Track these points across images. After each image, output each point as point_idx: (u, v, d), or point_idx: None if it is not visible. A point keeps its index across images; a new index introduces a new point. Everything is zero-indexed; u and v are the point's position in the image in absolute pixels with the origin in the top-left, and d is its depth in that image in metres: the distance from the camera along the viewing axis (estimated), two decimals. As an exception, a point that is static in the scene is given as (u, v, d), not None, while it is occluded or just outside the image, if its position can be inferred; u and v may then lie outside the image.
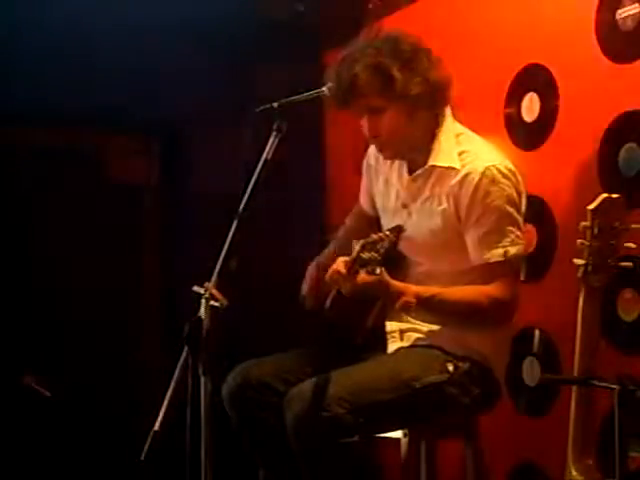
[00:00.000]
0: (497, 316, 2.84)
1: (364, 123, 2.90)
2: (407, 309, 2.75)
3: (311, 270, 3.11)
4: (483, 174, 2.81)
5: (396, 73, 2.80)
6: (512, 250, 2.82)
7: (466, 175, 2.84)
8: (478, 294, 2.80)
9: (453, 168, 2.86)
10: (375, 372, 2.82)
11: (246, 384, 2.92)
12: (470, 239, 2.85)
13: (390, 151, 2.95)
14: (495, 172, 2.82)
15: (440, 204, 2.88)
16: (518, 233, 2.84)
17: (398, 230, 2.64)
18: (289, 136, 2.71)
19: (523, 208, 2.89)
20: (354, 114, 2.91)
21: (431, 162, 2.90)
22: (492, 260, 2.81)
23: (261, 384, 2.91)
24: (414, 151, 2.93)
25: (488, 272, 2.82)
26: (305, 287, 3.10)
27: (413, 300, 2.70)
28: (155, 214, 4.56)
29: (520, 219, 2.86)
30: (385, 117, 2.85)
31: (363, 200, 3.23)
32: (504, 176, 2.83)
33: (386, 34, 2.91)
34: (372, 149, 3.14)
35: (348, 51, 2.87)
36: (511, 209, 2.83)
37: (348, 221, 3.29)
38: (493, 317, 2.84)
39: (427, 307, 2.78)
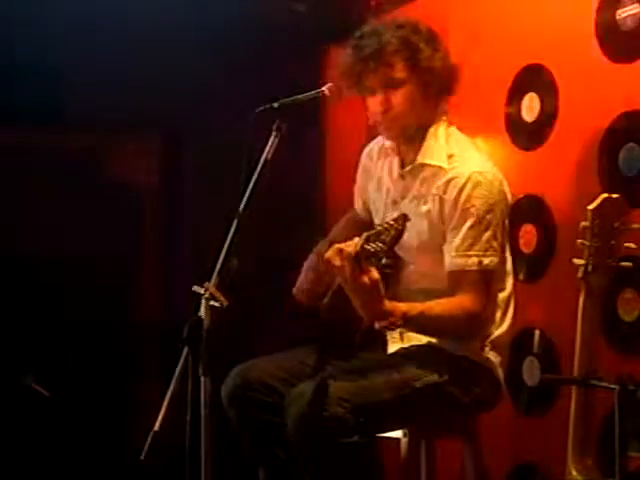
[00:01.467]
0: (469, 328, 2.83)
1: (376, 100, 2.89)
2: (389, 329, 2.75)
3: (310, 262, 3.08)
4: (468, 179, 2.81)
5: (422, 46, 2.84)
6: (485, 261, 2.80)
7: (452, 178, 2.83)
8: (455, 307, 2.79)
9: (441, 168, 2.86)
10: (376, 372, 2.82)
11: (245, 384, 2.92)
12: (447, 243, 2.84)
13: (395, 130, 2.93)
14: (480, 179, 2.81)
15: (425, 204, 2.88)
16: (494, 244, 2.81)
17: (403, 219, 2.59)
18: (289, 136, 2.71)
19: (506, 219, 2.87)
20: (369, 89, 2.89)
21: (420, 160, 2.91)
22: (466, 268, 2.80)
23: (261, 384, 2.91)
24: (408, 141, 2.93)
25: (460, 280, 2.81)
26: (302, 279, 3.07)
27: (400, 322, 2.70)
28: (155, 214, 4.56)
29: (499, 230, 2.83)
30: (401, 91, 2.85)
31: (357, 203, 3.23)
32: (489, 184, 2.82)
33: (401, 18, 2.94)
34: (366, 152, 3.14)
35: (365, 29, 2.88)
36: (491, 218, 2.81)
37: (336, 227, 3.26)
38: (465, 329, 2.83)
39: (411, 325, 2.79)
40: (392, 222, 2.57)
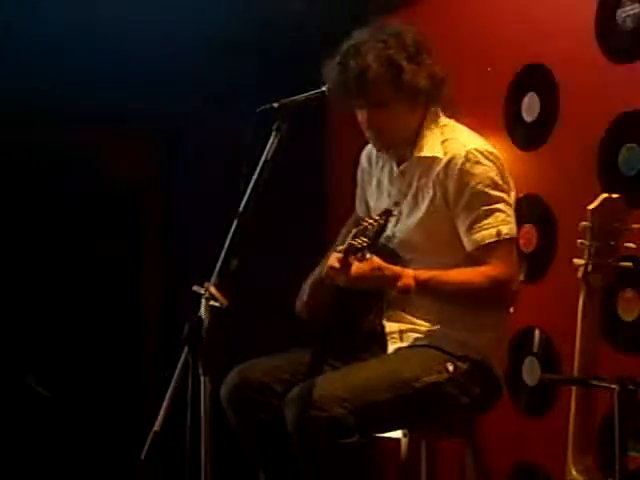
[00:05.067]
0: (497, 296, 2.83)
1: (363, 116, 2.90)
2: (406, 292, 2.75)
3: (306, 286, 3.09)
4: (466, 157, 2.82)
5: (405, 65, 2.81)
6: (504, 229, 2.80)
7: (450, 160, 2.84)
8: (476, 274, 2.79)
9: (437, 157, 2.87)
10: (375, 372, 2.82)
11: (245, 385, 2.92)
12: (461, 225, 2.84)
13: (385, 144, 2.95)
14: (478, 154, 2.82)
15: (427, 194, 2.89)
16: (508, 211, 2.82)
17: (387, 214, 2.65)
18: (290, 136, 2.71)
19: (511, 188, 2.86)
20: (356, 105, 2.89)
21: (416, 154, 2.91)
22: (486, 241, 2.80)
23: (260, 384, 2.91)
24: (403, 144, 2.94)
25: (483, 254, 2.80)
26: (300, 300, 3.08)
27: (412, 282, 2.71)
28: (155, 214, 4.56)
29: (507, 197, 2.84)
30: (387, 110, 2.85)
31: (358, 206, 3.23)
32: (486, 158, 2.82)
33: (388, 27, 2.90)
34: (365, 153, 3.15)
35: (352, 43, 2.86)
36: (497, 190, 2.81)
37: (342, 233, 3.27)
38: (493, 297, 2.83)
39: (425, 289, 2.78)
40: (376, 217, 2.64)
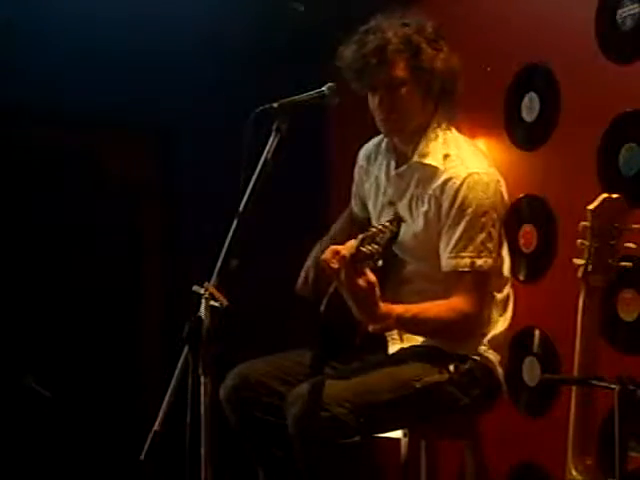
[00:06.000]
0: (461, 328, 2.83)
1: (376, 99, 2.88)
2: (383, 332, 2.76)
3: (309, 263, 3.10)
4: (464, 180, 2.80)
5: (425, 47, 2.83)
6: (479, 262, 2.80)
7: (448, 180, 2.83)
8: (448, 309, 2.79)
9: (437, 168, 2.85)
10: (376, 372, 2.81)
11: (245, 385, 2.92)
12: (442, 243, 2.84)
13: (393, 128, 2.92)
14: (477, 180, 2.81)
15: (423, 205, 2.88)
16: (489, 245, 2.81)
17: (398, 220, 2.62)
18: (290, 136, 2.71)
19: (501, 215, 2.85)
20: (370, 87, 2.88)
21: (416, 159, 2.90)
22: (458, 269, 2.80)
23: (259, 384, 2.91)
24: (406, 140, 2.93)
25: (454, 280, 2.81)
26: (304, 276, 3.09)
27: (394, 325, 2.71)
28: (155, 214, 4.56)
29: (494, 232, 2.83)
30: (402, 92, 2.84)
31: (354, 202, 3.23)
32: (486, 185, 2.81)
33: (408, 15, 2.91)
34: (363, 152, 3.14)
35: (371, 24, 2.87)
36: (486, 220, 2.81)
37: (337, 224, 3.27)
38: (458, 330, 2.83)
39: (406, 327, 2.81)
40: (387, 224, 2.58)
